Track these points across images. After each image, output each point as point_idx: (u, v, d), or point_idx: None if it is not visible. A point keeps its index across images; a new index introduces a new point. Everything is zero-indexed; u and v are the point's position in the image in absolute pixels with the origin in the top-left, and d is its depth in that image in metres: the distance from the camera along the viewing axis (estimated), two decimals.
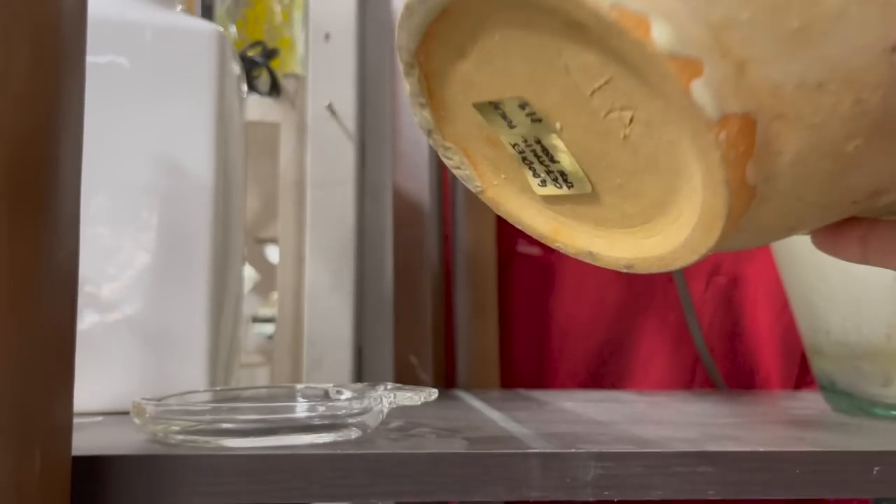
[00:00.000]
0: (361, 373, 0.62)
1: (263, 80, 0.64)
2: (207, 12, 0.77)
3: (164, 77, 0.40)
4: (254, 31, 0.75)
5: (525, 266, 0.68)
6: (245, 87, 0.50)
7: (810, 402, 0.52)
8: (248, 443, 0.28)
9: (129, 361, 0.39)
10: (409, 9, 0.19)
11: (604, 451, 0.27)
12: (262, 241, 0.81)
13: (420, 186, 0.64)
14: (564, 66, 0.18)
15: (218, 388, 0.39)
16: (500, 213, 0.23)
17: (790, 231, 0.21)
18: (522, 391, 0.59)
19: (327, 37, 0.63)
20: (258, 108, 0.63)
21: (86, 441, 0.28)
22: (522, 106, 0.20)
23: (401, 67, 0.20)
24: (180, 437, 0.29)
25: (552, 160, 0.21)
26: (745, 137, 0.17)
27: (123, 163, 0.40)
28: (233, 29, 0.76)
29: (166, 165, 0.40)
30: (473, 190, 0.23)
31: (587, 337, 0.68)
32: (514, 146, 0.21)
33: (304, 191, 0.62)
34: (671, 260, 0.20)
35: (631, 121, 0.18)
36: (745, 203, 0.18)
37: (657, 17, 0.16)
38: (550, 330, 0.68)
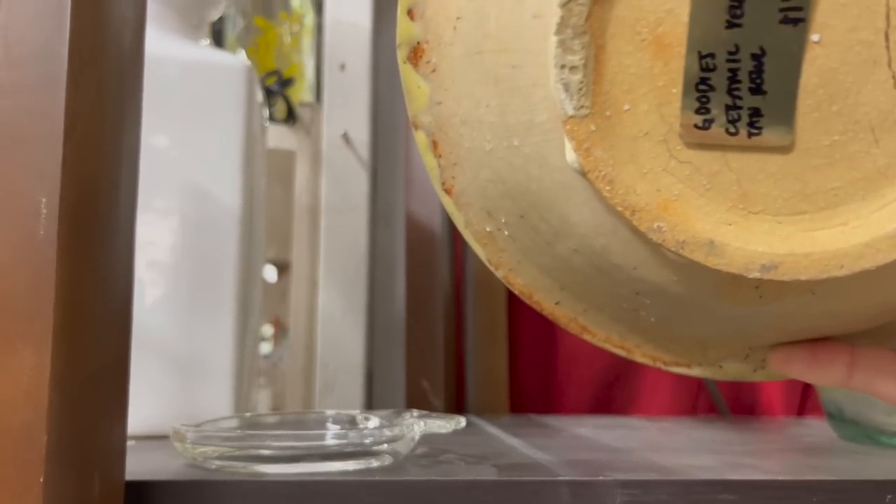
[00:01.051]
0: (372, 396, 0.63)
1: (279, 109, 0.65)
2: (218, 37, 0.79)
3: (194, 110, 0.41)
4: (264, 58, 0.77)
5: None
6: (267, 117, 0.52)
7: (816, 429, 0.53)
8: (284, 469, 0.29)
9: (159, 386, 0.40)
10: None
11: (630, 478, 0.28)
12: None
13: (432, 212, 0.65)
14: None
15: (248, 414, 0.40)
16: (584, 160, 0.17)
17: None
18: (533, 416, 0.60)
19: (342, 67, 0.65)
20: (274, 135, 0.64)
21: (128, 465, 0.29)
22: None
23: None
24: (218, 462, 0.29)
25: (756, 89, 0.16)
26: None
27: (154, 192, 0.41)
28: (242, 54, 0.78)
29: (195, 194, 0.41)
30: (570, 111, 0.16)
31: (593, 362, 0.69)
32: (703, 58, 0.16)
33: (317, 217, 0.63)
34: (855, 258, 0.16)
35: None
36: None
37: None
38: (558, 355, 0.69)
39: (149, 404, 0.39)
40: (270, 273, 0.71)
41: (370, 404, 0.62)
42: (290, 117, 0.65)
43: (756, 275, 0.16)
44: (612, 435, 0.45)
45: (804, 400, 0.69)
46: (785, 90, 0.16)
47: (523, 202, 0.19)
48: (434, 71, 0.21)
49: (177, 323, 0.40)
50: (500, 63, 0.18)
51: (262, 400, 0.75)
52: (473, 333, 0.66)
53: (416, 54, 0.21)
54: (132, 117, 0.25)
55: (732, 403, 0.69)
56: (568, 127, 0.16)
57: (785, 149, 0.16)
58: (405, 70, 0.21)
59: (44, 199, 0.22)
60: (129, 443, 0.37)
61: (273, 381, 0.74)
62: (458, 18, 0.19)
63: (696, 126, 0.16)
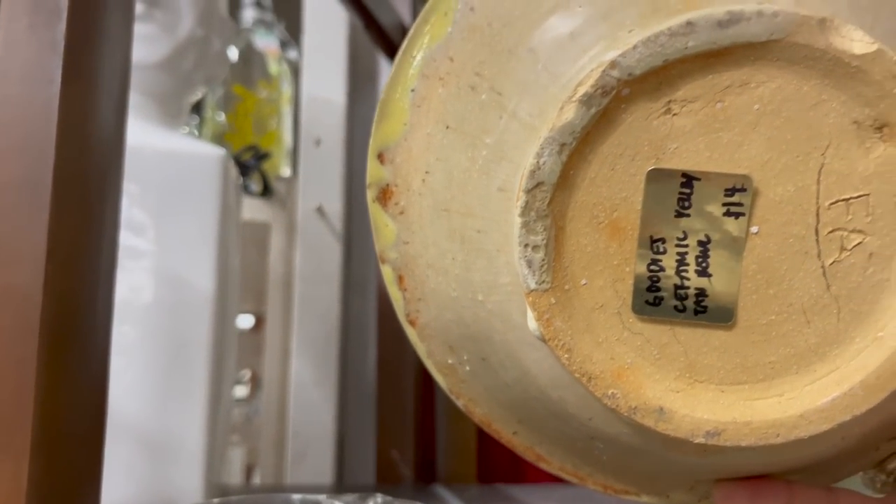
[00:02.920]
0: (344, 466, 0.63)
1: (255, 182, 0.67)
2: (197, 103, 0.81)
3: (170, 197, 0.43)
4: (243, 125, 0.79)
5: None
6: (241, 195, 0.53)
7: None
8: None
9: (131, 468, 0.41)
10: (690, 26, 0.16)
11: None
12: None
13: None
14: (821, 164, 0.17)
15: (217, 500, 0.40)
16: (544, 330, 0.18)
17: None
18: (501, 486, 0.61)
19: (318, 142, 0.67)
20: (250, 208, 0.66)
21: None
22: (731, 191, 0.17)
23: (579, 89, 0.17)
24: None
25: (702, 272, 0.17)
26: None
27: (128, 277, 0.42)
28: (221, 116, 0.80)
29: (170, 280, 0.43)
30: (532, 285, 0.18)
31: None
32: (654, 242, 0.18)
33: (291, 287, 0.65)
34: (790, 427, 0.17)
35: (854, 247, 0.17)
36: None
37: None
38: None
39: (120, 486, 0.40)
40: (248, 321, 0.72)
41: (341, 473, 0.63)
42: (266, 191, 0.67)
43: (701, 440, 0.18)
44: None
45: None
46: (728, 274, 0.17)
47: (486, 348, 0.21)
48: (402, 213, 0.22)
49: (149, 405, 0.42)
50: (467, 225, 0.20)
51: (237, 457, 0.76)
52: (444, 402, 0.67)
53: (384, 195, 0.22)
54: (110, 232, 0.27)
55: None
56: (530, 299, 0.18)
57: (727, 326, 0.18)
58: (374, 208, 0.23)
59: (26, 317, 0.23)
60: None
61: (247, 438, 0.74)
62: (426, 172, 0.21)
63: (646, 302, 0.18)
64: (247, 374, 0.72)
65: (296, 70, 0.78)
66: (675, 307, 0.18)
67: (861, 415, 0.17)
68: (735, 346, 0.18)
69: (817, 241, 0.17)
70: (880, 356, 0.17)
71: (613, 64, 0.17)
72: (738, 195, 0.17)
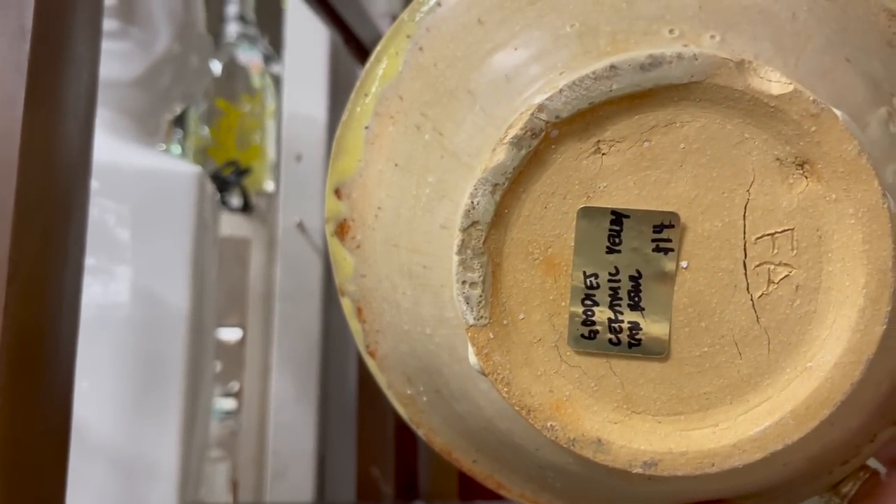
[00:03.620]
0: (324, 483, 0.63)
1: (236, 197, 0.67)
2: (180, 117, 0.81)
3: (145, 215, 0.43)
4: (226, 140, 0.79)
5: None
6: (219, 212, 0.53)
7: None
8: None
9: (103, 488, 0.40)
10: (613, 70, 0.17)
11: None
12: (223, 326, 0.82)
13: None
14: (746, 200, 0.17)
15: None
16: (484, 364, 0.18)
17: None
18: (481, 503, 0.60)
19: (299, 157, 0.67)
20: (229, 223, 0.66)
21: None
22: (660, 228, 0.17)
23: (510, 132, 0.17)
24: None
25: (634, 306, 0.18)
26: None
27: (101, 295, 0.42)
28: (205, 131, 0.80)
29: (144, 298, 0.42)
30: (471, 321, 0.18)
31: None
32: (587, 277, 0.18)
33: (271, 303, 0.64)
34: (724, 457, 0.18)
35: (781, 280, 0.17)
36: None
37: None
38: None
39: None
40: (235, 334, 0.72)
41: (322, 491, 0.63)
42: (247, 206, 0.66)
43: (639, 471, 0.18)
44: None
45: None
46: (660, 307, 0.18)
47: (437, 380, 0.21)
48: (359, 247, 0.22)
49: (122, 424, 0.41)
50: (413, 261, 0.20)
51: (220, 473, 0.75)
52: None
53: (342, 230, 0.23)
54: (75, 255, 0.27)
55: None
56: (469, 334, 0.18)
57: (661, 357, 0.18)
58: (332, 242, 0.23)
59: None
60: None
61: (232, 453, 0.74)
62: (378, 208, 0.21)
63: (582, 336, 0.18)
64: (235, 385, 0.72)
65: (279, 84, 0.78)
66: (610, 340, 0.18)
67: (795, 443, 0.17)
68: (670, 378, 0.18)
69: (745, 274, 0.18)
70: (809, 386, 0.17)
71: (541, 107, 0.17)
72: (666, 231, 0.17)
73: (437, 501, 0.62)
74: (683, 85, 0.17)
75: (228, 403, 0.75)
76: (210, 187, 0.47)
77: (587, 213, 0.18)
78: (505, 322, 0.18)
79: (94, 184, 0.43)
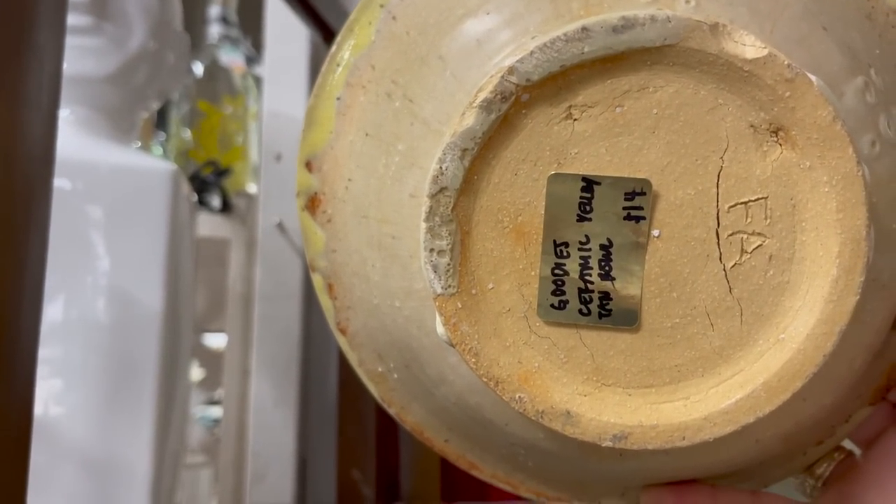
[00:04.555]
0: (305, 486, 0.62)
1: (215, 198, 0.67)
2: (162, 119, 0.80)
3: (120, 213, 0.42)
4: (207, 140, 0.78)
5: None
6: (196, 211, 0.53)
7: None
8: None
9: (74, 490, 0.39)
10: (585, 31, 0.16)
11: None
12: (207, 332, 0.81)
13: None
14: (720, 168, 0.17)
15: None
16: (452, 334, 0.18)
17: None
18: None
19: (278, 157, 0.67)
20: (209, 224, 0.65)
21: None
22: (631, 195, 0.17)
23: (479, 95, 0.17)
24: None
25: (605, 275, 0.18)
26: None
27: (73, 295, 0.41)
28: (187, 133, 0.79)
29: (117, 298, 0.42)
30: (438, 289, 0.18)
31: None
32: (557, 246, 0.18)
33: (251, 305, 0.64)
34: (695, 430, 0.17)
35: (755, 249, 0.17)
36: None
37: None
38: None
39: None
40: (219, 340, 0.71)
41: (302, 495, 0.62)
42: (226, 207, 0.66)
43: (608, 444, 0.18)
44: None
45: None
46: (631, 277, 0.17)
47: (407, 355, 0.21)
48: (329, 221, 0.22)
49: (94, 424, 0.40)
50: (383, 231, 0.20)
51: (203, 479, 0.74)
52: None
53: (313, 204, 0.22)
54: (37, 250, 0.26)
55: None
56: (437, 303, 0.18)
57: (632, 329, 0.18)
58: (303, 217, 0.23)
59: None
60: None
61: (215, 459, 0.73)
62: (349, 180, 0.21)
63: (552, 306, 0.18)
64: (222, 393, 0.71)
65: (262, 86, 0.78)
66: (580, 311, 0.18)
67: (767, 416, 0.17)
68: (641, 350, 0.18)
69: (718, 244, 0.17)
70: (782, 358, 0.17)
71: (511, 70, 0.17)
72: (637, 199, 0.17)
73: (420, 503, 0.61)
74: (657, 48, 0.16)
75: (216, 412, 0.74)
76: (186, 185, 0.46)
77: (557, 179, 0.17)
78: (473, 291, 0.18)
79: (68, 181, 0.42)
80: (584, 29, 0.16)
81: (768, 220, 0.17)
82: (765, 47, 0.16)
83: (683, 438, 0.17)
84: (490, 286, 0.18)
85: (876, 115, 0.18)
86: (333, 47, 0.22)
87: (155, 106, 0.51)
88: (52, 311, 0.40)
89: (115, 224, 0.42)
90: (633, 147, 0.17)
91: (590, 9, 0.18)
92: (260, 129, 0.69)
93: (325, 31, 0.58)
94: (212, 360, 0.78)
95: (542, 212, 0.17)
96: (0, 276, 0.24)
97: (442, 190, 0.17)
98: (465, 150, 0.17)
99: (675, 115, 0.17)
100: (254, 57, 0.82)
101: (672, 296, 0.18)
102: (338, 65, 0.21)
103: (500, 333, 0.18)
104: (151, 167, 0.44)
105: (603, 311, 0.18)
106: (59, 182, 0.42)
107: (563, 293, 0.18)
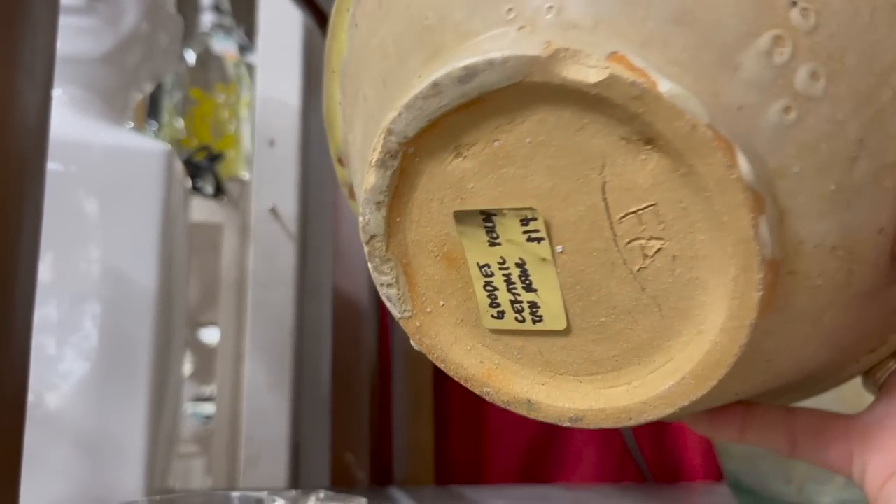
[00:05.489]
0: (298, 470, 0.62)
1: (208, 183, 0.66)
2: (154, 108, 0.80)
3: (113, 193, 0.42)
4: (200, 128, 0.78)
5: None
6: (190, 194, 0.53)
7: (726, 496, 0.55)
8: None
9: (68, 467, 0.40)
10: (436, 87, 0.17)
11: None
12: (201, 325, 0.81)
13: (359, 286, 0.66)
14: (602, 183, 0.17)
15: (155, 497, 0.39)
16: (421, 347, 0.20)
17: (741, 396, 0.21)
18: (456, 488, 0.60)
19: (272, 142, 0.67)
20: (202, 209, 0.65)
21: None
22: (525, 221, 0.18)
23: (373, 154, 0.18)
24: None
25: (527, 288, 0.19)
26: (774, 285, 0.17)
27: (69, 273, 0.41)
28: (180, 122, 0.79)
29: (111, 277, 0.42)
30: (398, 315, 0.20)
31: (520, 431, 0.70)
32: (481, 267, 0.19)
33: (244, 290, 0.64)
34: (638, 412, 0.19)
35: (656, 253, 0.18)
36: (750, 354, 0.18)
37: (740, 148, 0.16)
38: (485, 425, 0.70)
39: (56, 485, 0.39)
40: (213, 335, 0.71)
41: (296, 478, 0.62)
42: (219, 192, 0.66)
43: (567, 424, 0.19)
44: None
45: None
46: (549, 288, 0.19)
47: None
48: None
49: (89, 403, 0.40)
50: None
51: (196, 469, 0.74)
52: (400, 406, 0.67)
53: (351, 195, 0.25)
54: (32, 219, 0.26)
55: (656, 469, 0.71)
56: (402, 324, 0.20)
57: (566, 330, 0.19)
58: (351, 204, 0.26)
59: None
60: None
61: (208, 450, 0.73)
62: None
63: (492, 316, 0.20)
64: (213, 390, 0.71)
65: (254, 74, 0.78)
66: (517, 318, 0.19)
67: (701, 398, 0.18)
68: (579, 345, 0.19)
69: (619, 251, 0.18)
70: (703, 349, 0.18)
71: (390, 131, 0.18)
72: (532, 223, 0.18)
73: (412, 487, 0.61)
74: (506, 88, 0.17)
75: (208, 408, 0.74)
76: (179, 165, 0.46)
77: (460, 215, 0.19)
78: (428, 310, 0.20)
79: (61, 161, 0.42)
80: (434, 85, 0.17)
81: (662, 225, 0.17)
82: (607, 67, 0.16)
83: (630, 419, 0.19)
84: (441, 303, 0.20)
85: (791, 73, 0.17)
86: (326, 51, 0.23)
87: (148, 88, 0.51)
88: (48, 291, 0.40)
89: (108, 203, 0.42)
90: (518, 176, 0.18)
91: (460, 38, 0.18)
92: (253, 113, 0.69)
93: (318, 15, 0.58)
94: (204, 354, 0.78)
95: (461, 241, 0.19)
96: None
97: (372, 237, 0.19)
98: (378, 202, 0.19)
99: (547, 140, 0.17)
100: (246, 45, 0.82)
101: (592, 300, 0.19)
102: (333, 71, 0.23)
103: (459, 340, 0.20)
104: (145, 147, 0.44)
105: (535, 318, 0.19)
106: (52, 162, 0.42)
107: (499, 305, 0.19)
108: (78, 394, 0.40)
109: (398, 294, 0.20)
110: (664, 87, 0.16)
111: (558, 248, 0.18)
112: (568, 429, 0.72)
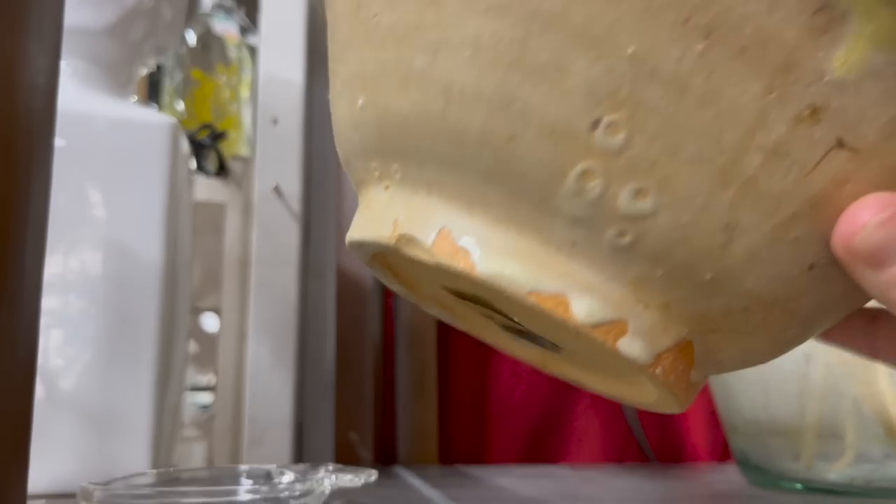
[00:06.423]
0: (302, 450, 0.62)
1: (211, 161, 0.66)
2: (155, 89, 0.79)
3: (118, 167, 0.42)
4: (201, 109, 0.78)
5: (465, 342, 0.70)
6: (193, 171, 0.52)
7: (731, 475, 0.55)
8: None
9: (73, 443, 0.39)
10: (351, 245, 0.21)
11: None
12: (201, 310, 0.81)
13: (362, 265, 0.66)
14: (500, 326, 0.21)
15: (162, 470, 0.39)
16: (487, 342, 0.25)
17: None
18: (461, 467, 0.60)
19: (275, 121, 0.66)
20: (205, 188, 0.65)
21: None
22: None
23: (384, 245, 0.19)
24: None
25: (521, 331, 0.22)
26: (684, 357, 0.17)
27: (74, 248, 0.41)
28: (180, 105, 0.78)
29: (117, 251, 0.41)
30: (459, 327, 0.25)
31: (524, 411, 0.70)
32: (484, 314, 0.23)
33: (248, 270, 0.63)
34: (654, 408, 0.20)
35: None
36: (695, 392, 0.18)
37: (575, 292, 0.16)
38: (489, 404, 0.70)
39: (62, 461, 0.39)
40: (212, 323, 0.71)
41: (299, 458, 0.62)
42: (222, 170, 0.65)
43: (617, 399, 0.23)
44: (532, 485, 0.46)
45: (726, 446, 0.71)
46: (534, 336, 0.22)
47: None
48: None
49: (94, 378, 0.40)
50: None
51: (196, 453, 0.74)
52: (404, 385, 0.67)
53: None
54: (41, 184, 0.26)
55: (660, 450, 0.71)
56: None
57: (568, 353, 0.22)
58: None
59: None
60: (40, 502, 0.37)
61: (208, 434, 0.73)
62: None
63: (520, 347, 0.25)
64: (213, 379, 0.70)
65: (255, 55, 0.77)
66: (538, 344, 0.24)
67: None
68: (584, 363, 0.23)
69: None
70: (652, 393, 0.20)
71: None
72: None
73: (417, 466, 0.61)
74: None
75: (206, 398, 0.74)
76: (184, 139, 0.46)
77: (450, 290, 0.23)
78: None
79: (65, 133, 0.42)
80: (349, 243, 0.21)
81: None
82: (434, 255, 0.17)
83: None
84: None
85: (611, 202, 0.15)
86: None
87: (151, 62, 0.50)
88: (52, 264, 0.40)
89: (113, 176, 0.42)
90: None
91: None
92: (255, 91, 0.68)
93: None
94: (204, 341, 0.78)
95: None
96: (5, 208, 0.24)
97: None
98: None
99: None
100: (247, 26, 0.81)
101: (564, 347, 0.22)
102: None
103: None
104: (150, 119, 0.43)
105: (546, 345, 0.23)
106: (57, 133, 0.42)
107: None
108: (83, 367, 0.40)
109: (449, 319, 0.25)
110: (480, 267, 0.16)
111: (515, 318, 0.21)
112: (572, 409, 0.72)
